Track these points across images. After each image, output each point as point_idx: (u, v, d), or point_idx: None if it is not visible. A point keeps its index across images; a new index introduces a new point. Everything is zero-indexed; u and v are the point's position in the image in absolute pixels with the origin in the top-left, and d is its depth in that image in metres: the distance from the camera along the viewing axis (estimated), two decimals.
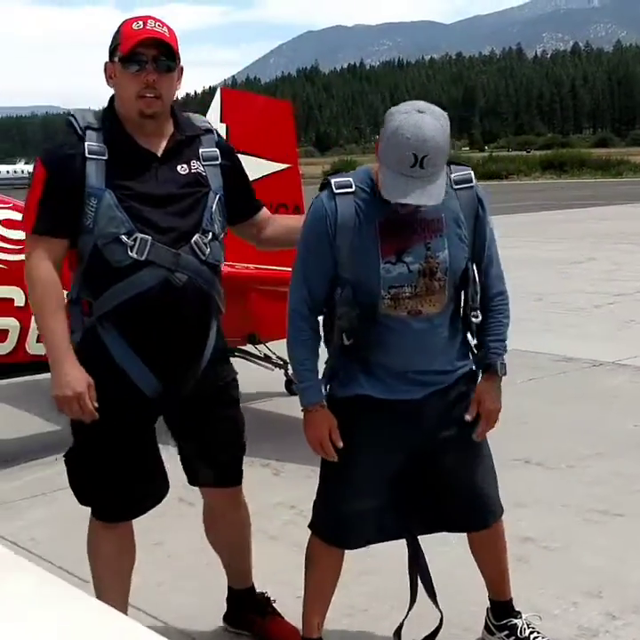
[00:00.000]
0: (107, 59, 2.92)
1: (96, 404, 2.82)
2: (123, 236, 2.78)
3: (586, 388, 6.85)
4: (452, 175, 2.81)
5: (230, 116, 6.18)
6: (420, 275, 2.76)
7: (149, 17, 2.88)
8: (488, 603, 3.25)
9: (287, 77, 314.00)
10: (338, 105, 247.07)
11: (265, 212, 3.27)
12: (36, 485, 5.04)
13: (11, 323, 5.06)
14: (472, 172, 2.87)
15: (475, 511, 3.03)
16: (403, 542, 3.09)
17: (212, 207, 2.92)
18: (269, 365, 6.33)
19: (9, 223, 5.10)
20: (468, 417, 2.93)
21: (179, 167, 2.91)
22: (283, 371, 6.34)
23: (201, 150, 2.97)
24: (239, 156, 6.16)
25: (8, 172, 68.08)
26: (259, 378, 6.29)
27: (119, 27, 2.91)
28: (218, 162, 2.99)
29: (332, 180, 2.81)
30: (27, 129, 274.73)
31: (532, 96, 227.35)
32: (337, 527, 2.99)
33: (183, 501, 4.51)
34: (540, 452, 5.17)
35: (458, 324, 2.92)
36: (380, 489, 2.92)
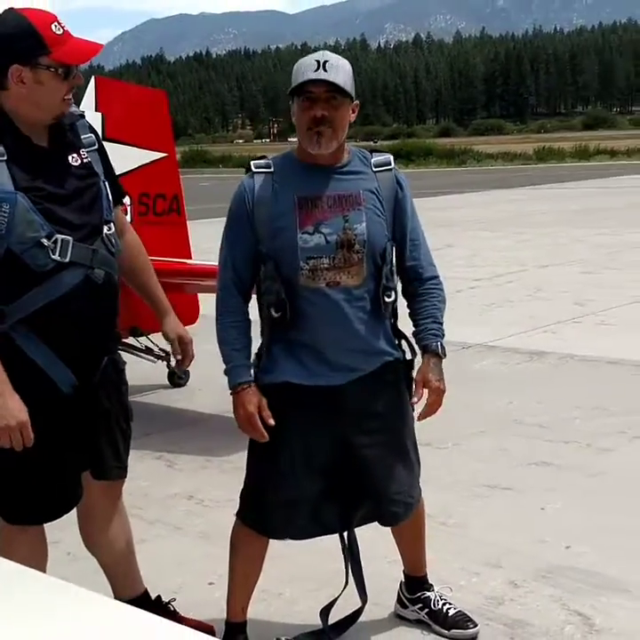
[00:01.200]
0: None
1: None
2: (43, 240, 2.67)
3: (459, 370, 7.07)
4: (373, 159, 2.96)
5: (106, 104, 6.07)
6: (338, 246, 2.84)
7: (56, 18, 2.75)
8: (399, 577, 3.36)
9: (132, 65, 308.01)
10: (185, 93, 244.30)
11: (121, 214, 3.16)
12: None
13: None
14: (391, 157, 3.01)
15: (394, 506, 3.10)
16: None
17: (108, 196, 2.87)
18: (151, 357, 6.28)
19: None
20: (414, 399, 3.01)
21: (70, 158, 2.81)
22: (165, 363, 6.31)
23: (82, 137, 2.88)
24: (116, 145, 6.11)
25: None
26: (141, 371, 6.23)
27: (28, 24, 2.67)
28: (96, 147, 2.92)
29: (252, 162, 2.94)
30: None
31: (377, 87, 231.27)
32: (263, 516, 3.02)
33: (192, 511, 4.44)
34: (426, 433, 5.31)
35: (381, 306, 2.97)
36: (308, 478, 2.95)
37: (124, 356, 3.26)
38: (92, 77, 6.23)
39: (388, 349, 3.01)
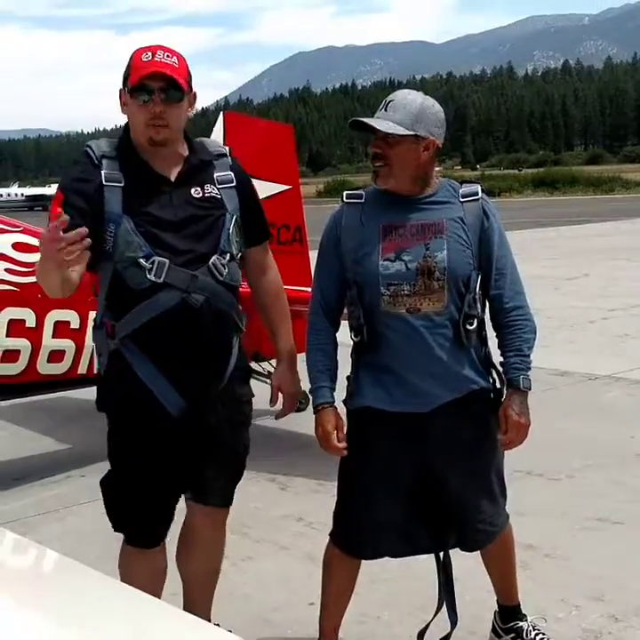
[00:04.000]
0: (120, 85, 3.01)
1: None
2: (141, 260, 2.87)
3: (582, 402, 6.98)
4: (461, 190, 3.02)
5: (233, 138, 6.32)
6: (419, 273, 2.91)
7: (159, 47, 2.95)
8: (496, 606, 3.37)
9: (280, 98, 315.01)
10: (330, 125, 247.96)
11: (268, 252, 3.27)
12: (48, 502, 5.15)
13: (23, 343, 5.18)
14: (479, 187, 3.05)
15: (477, 534, 3.11)
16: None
17: (229, 228, 2.99)
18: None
19: (20, 246, 5.24)
20: (500, 436, 3.00)
21: (193, 190, 2.98)
22: None
23: (215, 174, 3.04)
24: None
25: (2, 195, 68.15)
26: (260, 395, 6.39)
27: (131, 55, 2.99)
28: (233, 184, 3.07)
29: (345, 193, 3.09)
30: (18, 152, 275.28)
31: (523, 114, 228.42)
32: (353, 537, 3.10)
33: None
34: (541, 464, 5.29)
35: (462, 333, 2.97)
36: (395, 501, 3.01)
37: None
38: (221, 113, 6.52)
39: (474, 377, 3.01)
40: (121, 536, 3.15)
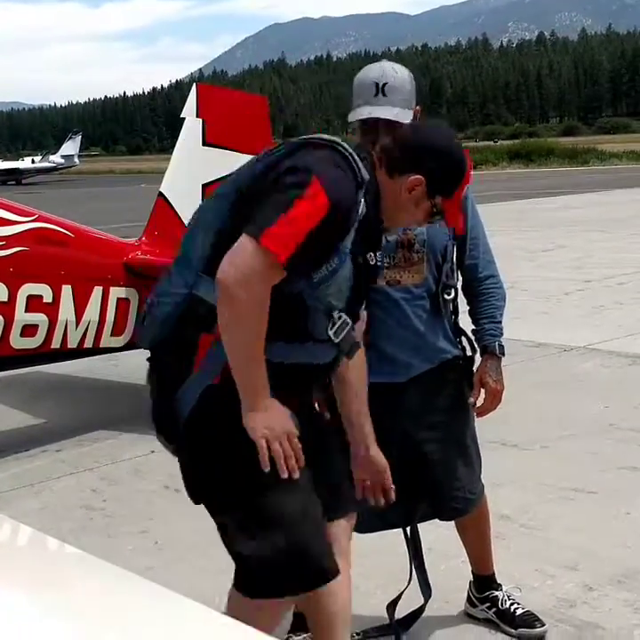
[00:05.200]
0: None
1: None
2: (335, 312, 2.41)
3: (557, 373, 7.02)
4: None
5: (206, 110, 6.27)
6: (398, 246, 2.92)
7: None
8: (471, 576, 3.40)
9: (254, 70, 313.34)
10: (305, 97, 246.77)
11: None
12: (23, 477, 5.12)
13: None
14: None
15: (455, 502, 3.14)
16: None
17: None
18: None
19: None
20: (471, 399, 3.07)
21: (369, 255, 2.54)
22: None
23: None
24: (217, 149, 6.29)
25: None
26: None
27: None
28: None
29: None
30: None
31: (499, 86, 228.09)
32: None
33: (168, 488, 4.63)
34: (515, 435, 5.32)
35: (440, 303, 3.02)
36: None
37: None
38: (194, 85, 6.46)
39: (447, 347, 3.07)
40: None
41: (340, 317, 2.41)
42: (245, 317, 2.24)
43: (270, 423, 2.31)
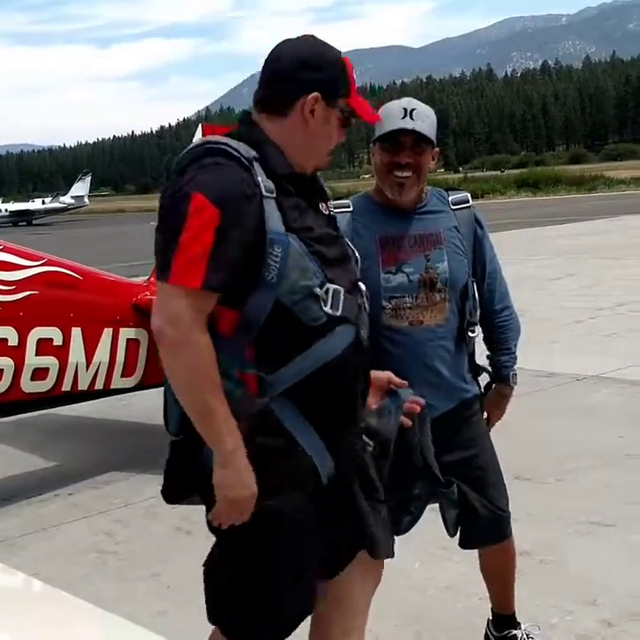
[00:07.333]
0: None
1: None
2: (316, 289, 2.27)
3: (570, 403, 6.96)
4: (450, 197, 3.02)
5: None
6: (421, 285, 2.90)
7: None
8: (489, 614, 3.34)
9: None
10: None
11: None
12: (36, 521, 5.08)
13: (6, 362, 5.12)
14: (468, 195, 3.07)
15: (489, 525, 3.07)
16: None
17: (356, 259, 2.54)
18: None
19: (0, 265, 5.19)
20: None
21: (321, 205, 2.44)
22: None
23: (326, 190, 2.57)
24: None
25: None
26: None
27: (341, 59, 2.39)
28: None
29: (331, 203, 2.95)
30: (1, 168, 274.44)
31: (504, 115, 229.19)
32: None
33: (180, 530, 4.60)
34: (529, 468, 5.27)
35: (463, 342, 3.01)
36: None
37: None
38: (200, 125, 6.49)
39: (466, 387, 3.06)
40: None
41: (326, 290, 2.29)
42: (183, 355, 2.15)
43: (232, 482, 2.22)
